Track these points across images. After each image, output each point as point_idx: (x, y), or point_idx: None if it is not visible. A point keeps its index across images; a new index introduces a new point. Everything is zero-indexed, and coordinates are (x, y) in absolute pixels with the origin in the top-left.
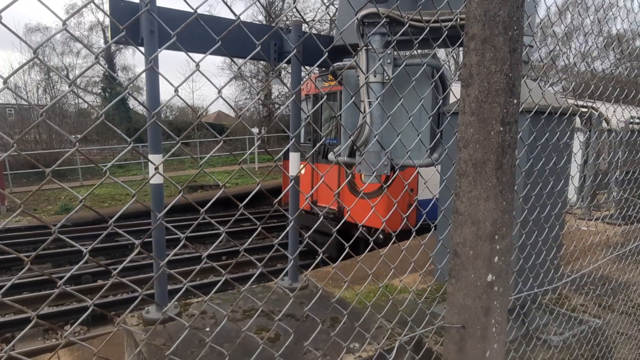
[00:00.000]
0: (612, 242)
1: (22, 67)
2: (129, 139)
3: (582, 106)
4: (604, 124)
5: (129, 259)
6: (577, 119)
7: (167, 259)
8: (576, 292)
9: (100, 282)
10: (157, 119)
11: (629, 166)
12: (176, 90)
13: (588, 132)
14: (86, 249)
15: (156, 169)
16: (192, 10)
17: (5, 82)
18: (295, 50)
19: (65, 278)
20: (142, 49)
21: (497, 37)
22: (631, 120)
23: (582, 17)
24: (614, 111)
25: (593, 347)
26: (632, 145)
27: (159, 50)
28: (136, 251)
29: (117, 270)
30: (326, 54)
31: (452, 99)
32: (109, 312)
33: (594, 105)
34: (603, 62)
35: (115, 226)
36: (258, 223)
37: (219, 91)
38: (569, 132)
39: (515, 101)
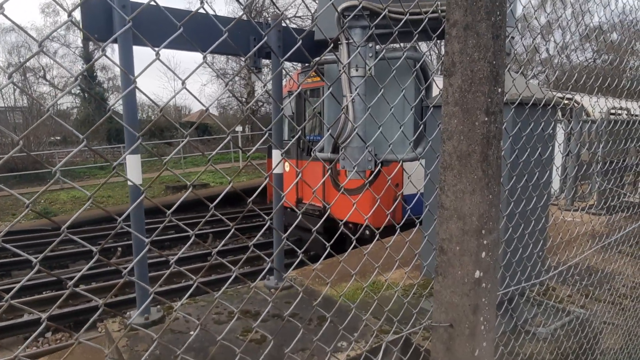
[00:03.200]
0: (597, 232)
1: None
2: (81, 136)
3: (564, 98)
4: (585, 115)
5: (87, 267)
6: (559, 111)
7: (132, 265)
8: (562, 283)
9: (82, 286)
10: (112, 112)
11: (611, 156)
12: (134, 81)
13: (570, 124)
14: (36, 257)
15: (114, 168)
16: (163, 5)
17: None
18: (266, 38)
19: (15, 289)
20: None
21: (480, 22)
22: (612, 111)
23: (564, 7)
24: (596, 102)
25: (580, 338)
26: (614, 135)
27: (116, 34)
28: (95, 258)
29: (72, 282)
30: (300, 42)
31: (434, 92)
32: (88, 319)
33: (575, 96)
34: (584, 53)
35: (99, 229)
36: (231, 224)
37: (183, 82)
38: (553, 123)
39: (499, 90)
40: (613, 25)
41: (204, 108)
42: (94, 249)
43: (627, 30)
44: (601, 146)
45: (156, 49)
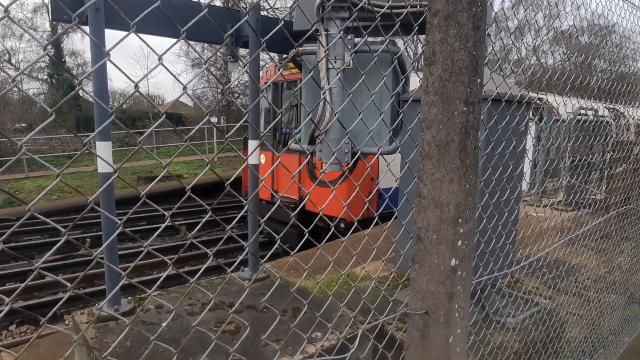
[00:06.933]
0: (564, 227)
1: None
2: (50, 110)
3: (535, 98)
4: (554, 114)
5: (53, 249)
6: (531, 109)
7: (102, 248)
8: (530, 275)
9: (48, 278)
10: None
11: (577, 152)
12: (107, 54)
13: (539, 122)
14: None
15: (85, 145)
16: None
17: None
18: (247, 17)
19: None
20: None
21: (461, 12)
22: (580, 111)
23: (535, 12)
24: (564, 102)
25: (548, 327)
26: (582, 132)
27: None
28: (64, 239)
29: (38, 263)
30: (281, 24)
31: (411, 87)
32: (57, 311)
33: (544, 96)
34: (553, 56)
35: (64, 220)
36: (208, 207)
37: (160, 57)
38: (526, 119)
39: (478, 80)
40: (582, 29)
41: (178, 97)
42: (62, 229)
43: (597, 33)
44: (569, 143)
45: (131, 26)
